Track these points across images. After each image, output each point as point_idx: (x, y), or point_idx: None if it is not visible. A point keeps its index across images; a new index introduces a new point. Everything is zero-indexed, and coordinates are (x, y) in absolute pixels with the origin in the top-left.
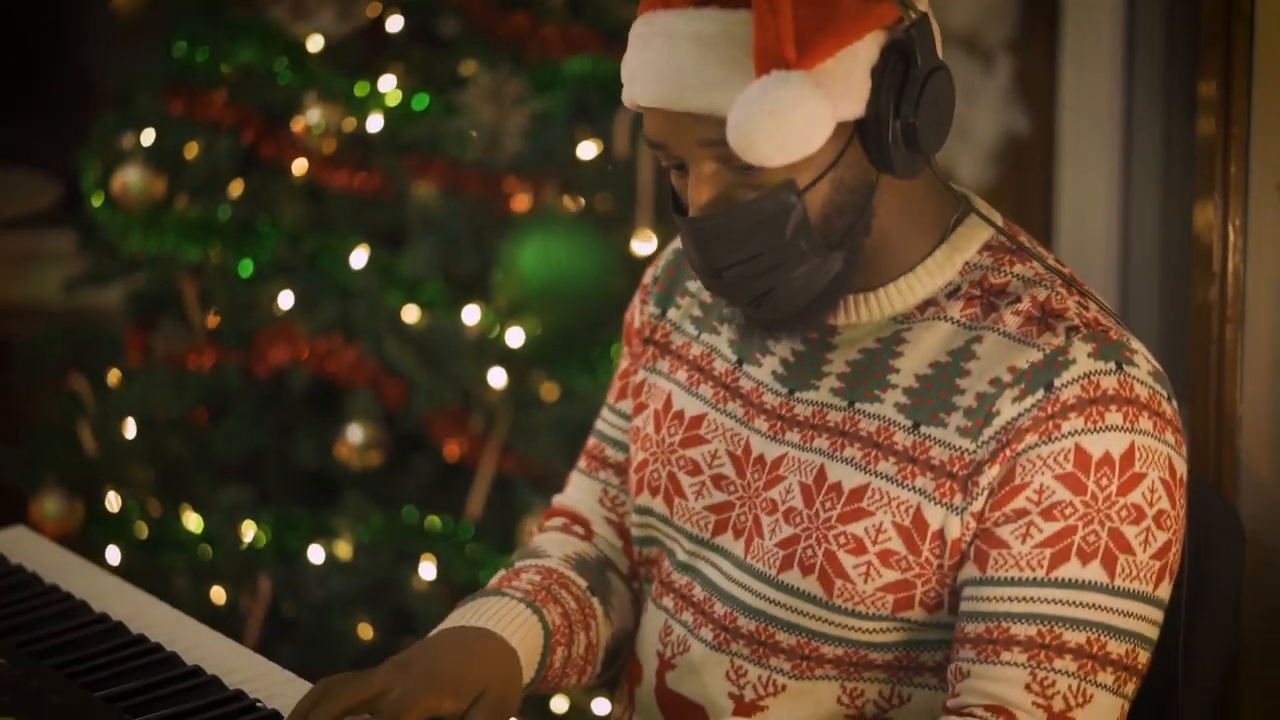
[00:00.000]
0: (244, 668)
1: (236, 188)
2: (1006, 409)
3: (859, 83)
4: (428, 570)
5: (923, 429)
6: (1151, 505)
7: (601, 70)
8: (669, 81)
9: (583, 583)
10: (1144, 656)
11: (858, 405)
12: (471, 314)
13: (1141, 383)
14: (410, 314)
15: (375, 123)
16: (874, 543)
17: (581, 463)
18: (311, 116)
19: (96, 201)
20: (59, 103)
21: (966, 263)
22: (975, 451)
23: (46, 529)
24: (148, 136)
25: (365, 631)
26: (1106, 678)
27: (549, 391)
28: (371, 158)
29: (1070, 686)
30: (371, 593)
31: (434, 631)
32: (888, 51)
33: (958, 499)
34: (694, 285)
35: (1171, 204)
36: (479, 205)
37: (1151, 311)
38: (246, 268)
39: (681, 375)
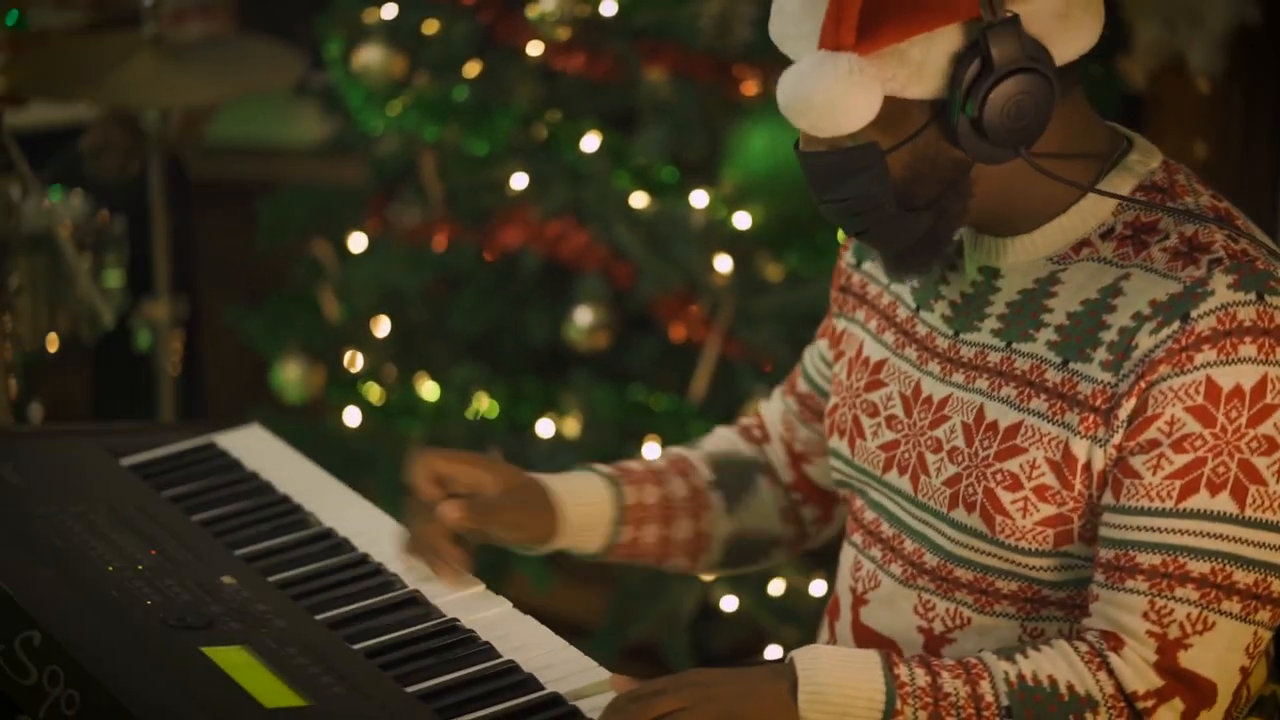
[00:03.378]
0: (464, 594)
1: (473, 69)
2: (1144, 341)
3: (936, 66)
4: (652, 449)
5: (1071, 365)
6: None
7: None
8: (782, 25)
9: (709, 476)
10: (1279, 585)
11: (1014, 345)
12: (699, 199)
13: None
14: (639, 199)
15: (609, 7)
16: (1029, 478)
17: (784, 382)
18: (546, 4)
19: (337, 75)
20: None
21: (1120, 204)
22: (1116, 385)
23: (286, 394)
24: (389, 11)
25: None
26: (1233, 606)
27: (774, 274)
28: (604, 42)
29: (1189, 615)
30: None
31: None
32: (971, 44)
33: (1101, 432)
34: None
35: None
36: (709, 91)
37: None
38: (481, 148)
39: (873, 324)
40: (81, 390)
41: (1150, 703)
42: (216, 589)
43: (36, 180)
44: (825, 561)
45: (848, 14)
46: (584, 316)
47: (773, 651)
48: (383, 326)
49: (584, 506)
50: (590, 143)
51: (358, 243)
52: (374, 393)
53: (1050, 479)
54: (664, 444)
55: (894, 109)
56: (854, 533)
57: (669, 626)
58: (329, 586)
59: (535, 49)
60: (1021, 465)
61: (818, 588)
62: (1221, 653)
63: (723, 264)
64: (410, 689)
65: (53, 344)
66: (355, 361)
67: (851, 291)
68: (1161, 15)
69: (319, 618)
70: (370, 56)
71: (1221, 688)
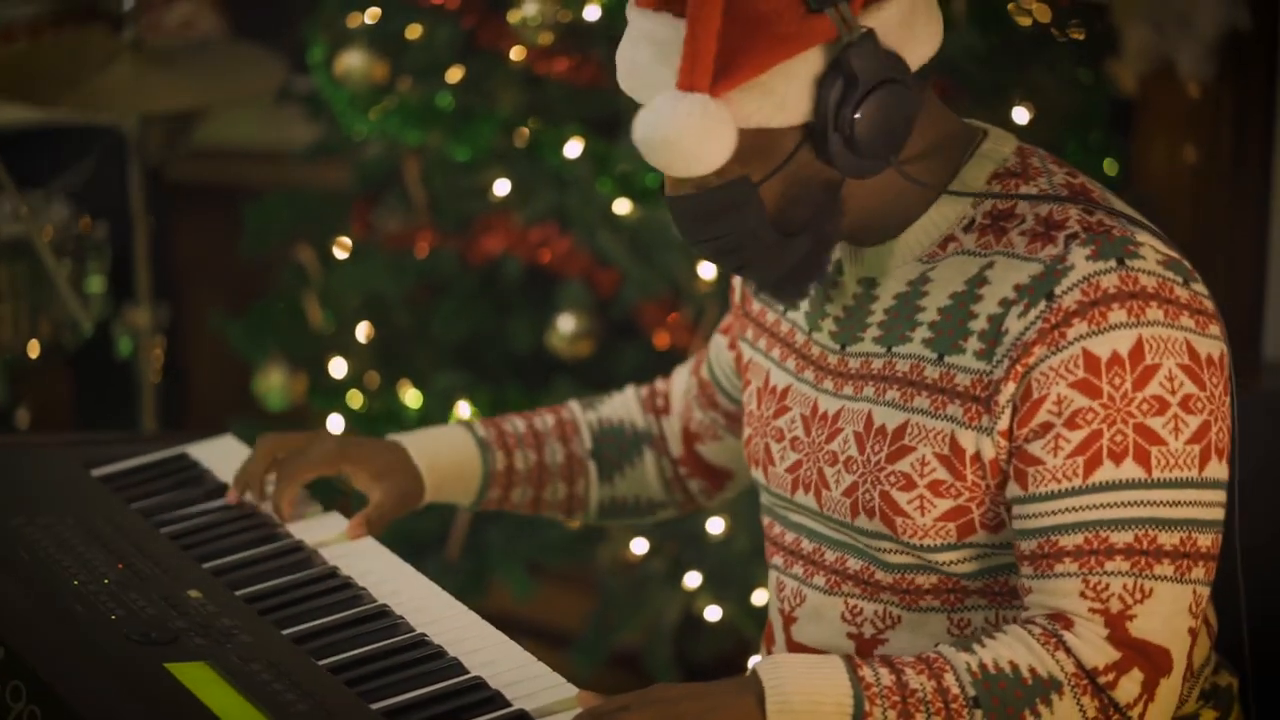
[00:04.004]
0: (434, 608)
1: (455, 74)
2: (1013, 325)
3: (800, 91)
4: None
5: (947, 359)
6: (1174, 393)
7: None
8: (631, 77)
9: (588, 445)
10: (1206, 539)
11: (893, 349)
12: None
13: (1149, 273)
14: (622, 205)
15: (592, 12)
16: (921, 476)
17: (694, 358)
18: (528, 9)
19: (321, 80)
20: None
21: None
22: (991, 371)
23: (269, 401)
24: (372, 15)
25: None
26: (1165, 569)
27: None
28: (587, 47)
29: (1125, 585)
30: None
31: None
32: (832, 64)
33: (984, 420)
34: None
35: None
36: None
37: None
38: (464, 153)
39: (775, 353)
40: (63, 397)
41: (1111, 676)
42: (182, 603)
43: (13, 184)
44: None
45: (703, 59)
46: (567, 324)
47: (756, 662)
48: (366, 333)
49: (447, 471)
50: (573, 149)
51: (341, 249)
52: (356, 400)
53: (942, 473)
54: None
55: (761, 140)
56: (774, 555)
57: (652, 636)
58: (296, 601)
59: (518, 54)
60: (912, 464)
61: None
62: (1166, 617)
63: (707, 270)
64: (376, 705)
65: (34, 350)
66: (343, 369)
67: (752, 318)
68: (1151, 19)
69: (285, 632)
70: (352, 61)
71: (1174, 652)
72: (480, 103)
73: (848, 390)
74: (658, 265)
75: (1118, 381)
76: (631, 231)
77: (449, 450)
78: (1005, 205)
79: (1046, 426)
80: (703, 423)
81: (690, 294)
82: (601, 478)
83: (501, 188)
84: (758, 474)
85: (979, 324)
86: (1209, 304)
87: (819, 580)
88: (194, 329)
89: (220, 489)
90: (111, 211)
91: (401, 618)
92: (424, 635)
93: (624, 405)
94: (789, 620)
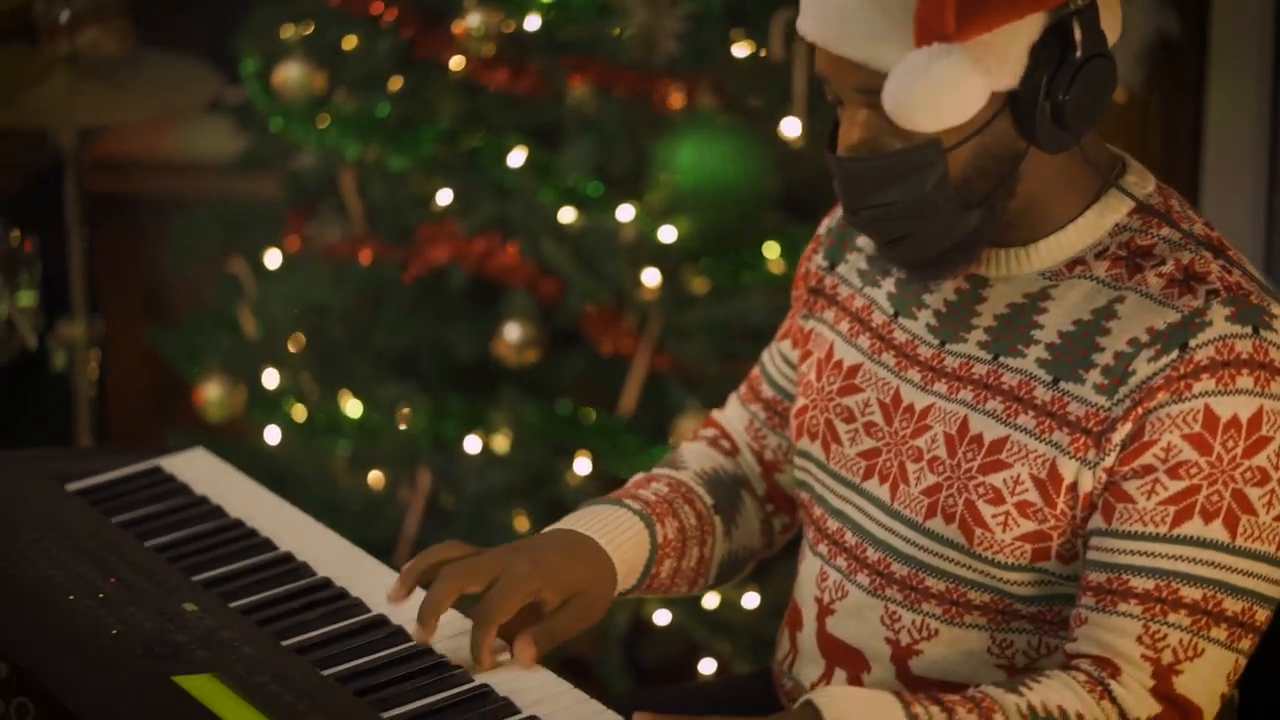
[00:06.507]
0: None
1: (395, 84)
2: (1142, 368)
3: (1016, 57)
4: (582, 464)
5: (1062, 384)
6: (1277, 469)
7: None
8: (834, 24)
9: (709, 500)
10: (1262, 614)
11: (1002, 359)
12: (626, 213)
13: (1278, 347)
14: (566, 214)
15: (533, 22)
16: (1011, 494)
17: (742, 388)
18: (471, 20)
19: (255, 92)
20: None
21: (1116, 224)
22: (1110, 409)
23: (209, 413)
24: (307, 27)
25: (521, 524)
26: (1220, 633)
27: (700, 287)
28: (528, 56)
29: (1181, 640)
30: (527, 486)
31: (548, 529)
32: (1049, 32)
33: (1091, 454)
34: (862, 240)
35: None
36: (634, 105)
37: None
38: (402, 163)
39: (844, 326)
40: None
41: None
42: (179, 616)
43: None
44: (757, 574)
45: (946, 6)
46: (513, 332)
47: (706, 665)
48: (304, 344)
49: (628, 556)
50: (515, 158)
51: (274, 260)
52: (297, 411)
53: (1033, 495)
54: (594, 459)
55: None
56: (819, 543)
57: (603, 642)
58: (292, 612)
59: (458, 64)
60: (1005, 480)
61: (750, 600)
62: (1208, 679)
63: (650, 278)
64: (387, 715)
65: None
66: (276, 380)
67: (823, 294)
68: None
69: (285, 643)
70: (291, 73)
71: (1207, 714)
72: (420, 112)
73: (939, 388)
74: (602, 273)
75: (1230, 444)
76: (575, 239)
77: (627, 532)
78: (1145, 242)
79: (1148, 469)
80: (779, 446)
81: (634, 301)
82: (726, 532)
83: (444, 198)
84: (812, 447)
85: (1104, 358)
86: None
87: (862, 578)
88: (120, 342)
89: (200, 501)
90: (42, 225)
91: (399, 627)
92: (429, 644)
93: (705, 455)
94: (825, 611)
